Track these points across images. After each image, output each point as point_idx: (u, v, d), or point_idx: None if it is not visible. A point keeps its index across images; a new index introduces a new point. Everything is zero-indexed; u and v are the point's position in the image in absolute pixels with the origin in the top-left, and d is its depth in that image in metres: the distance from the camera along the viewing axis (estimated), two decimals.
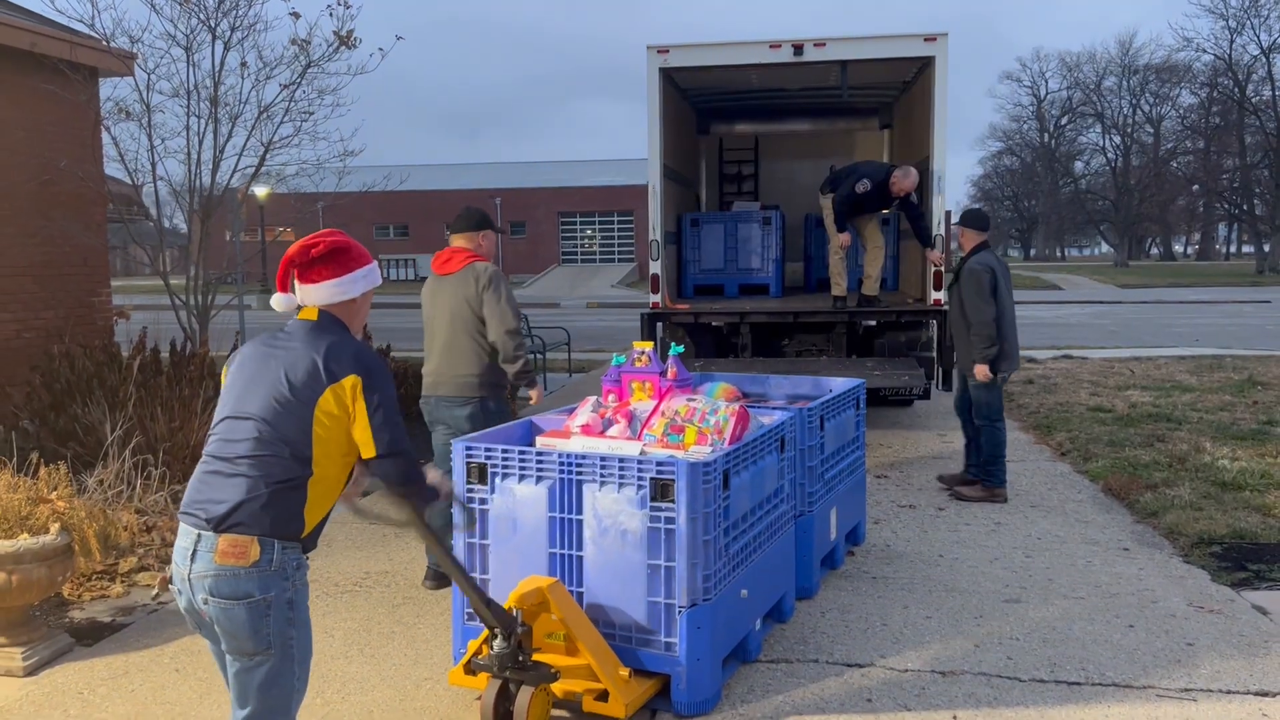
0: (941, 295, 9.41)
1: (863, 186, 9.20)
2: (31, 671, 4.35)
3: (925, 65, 9.61)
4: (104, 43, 9.40)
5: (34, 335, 9.28)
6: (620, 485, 3.90)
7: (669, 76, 10.39)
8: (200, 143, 8.59)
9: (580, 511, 3.99)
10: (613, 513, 3.92)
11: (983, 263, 7.02)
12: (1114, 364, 14.25)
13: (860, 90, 11.93)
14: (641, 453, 4.12)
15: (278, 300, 2.88)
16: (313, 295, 2.87)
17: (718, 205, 13.82)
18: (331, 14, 8.27)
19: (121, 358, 7.82)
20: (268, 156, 8.84)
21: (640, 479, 3.87)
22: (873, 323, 9.98)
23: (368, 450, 2.76)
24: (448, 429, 5.24)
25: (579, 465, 3.99)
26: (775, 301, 10.89)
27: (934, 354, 9.52)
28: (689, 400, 4.52)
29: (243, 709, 2.74)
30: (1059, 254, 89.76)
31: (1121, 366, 13.88)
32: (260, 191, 39.02)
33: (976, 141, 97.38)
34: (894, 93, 12.02)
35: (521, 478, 4.08)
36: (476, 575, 4.15)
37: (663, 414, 4.44)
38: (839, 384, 6.01)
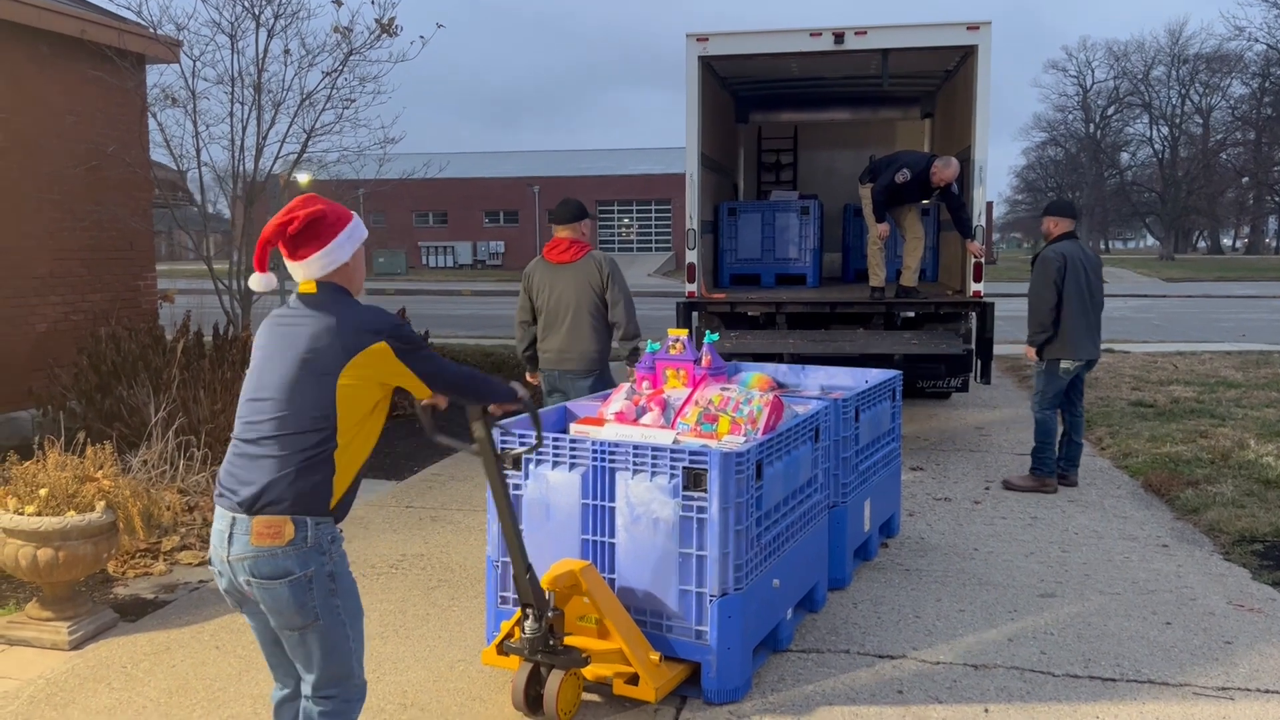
0: (981, 287, 9.33)
1: (902, 176, 9.13)
2: (77, 645, 4.45)
3: (967, 54, 9.52)
4: (151, 30, 9.55)
5: (82, 318, 9.45)
6: (653, 473, 3.89)
7: (708, 65, 10.36)
8: (244, 129, 8.70)
9: (613, 499, 3.98)
10: (645, 501, 3.91)
11: (1057, 250, 7.02)
12: (1157, 359, 14.05)
13: (902, 79, 11.83)
14: (675, 441, 4.16)
15: (256, 280, 2.84)
16: (304, 271, 2.82)
17: (756, 194, 13.79)
18: (374, 2, 8.32)
19: (166, 341, 7.95)
20: (309, 143, 8.93)
21: (673, 468, 3.86)
22: (911, 314, 9.92)
23: (423, 393, 2.90)
24: (564, 398, 5.99)
25: (612, 453, 3.99)
26: (812, 291, 10.84)
27: (972, 346, 9.44)
28: (723, 389, 4.51)
29: (310, 674, 2.80)
30: (1104, 247, 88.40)
31: (1165, 361, 13.68)
32: (303, 178, 39.43)
33: (1020, 132, 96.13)
34: (936, 82, 11.91)
35: (555, 464, 4.09)
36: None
37: (696, 403, 4.45)
38: (875, 375, 5.99)
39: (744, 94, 13.10)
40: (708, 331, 4.41)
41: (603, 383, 6.00)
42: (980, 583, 5.27)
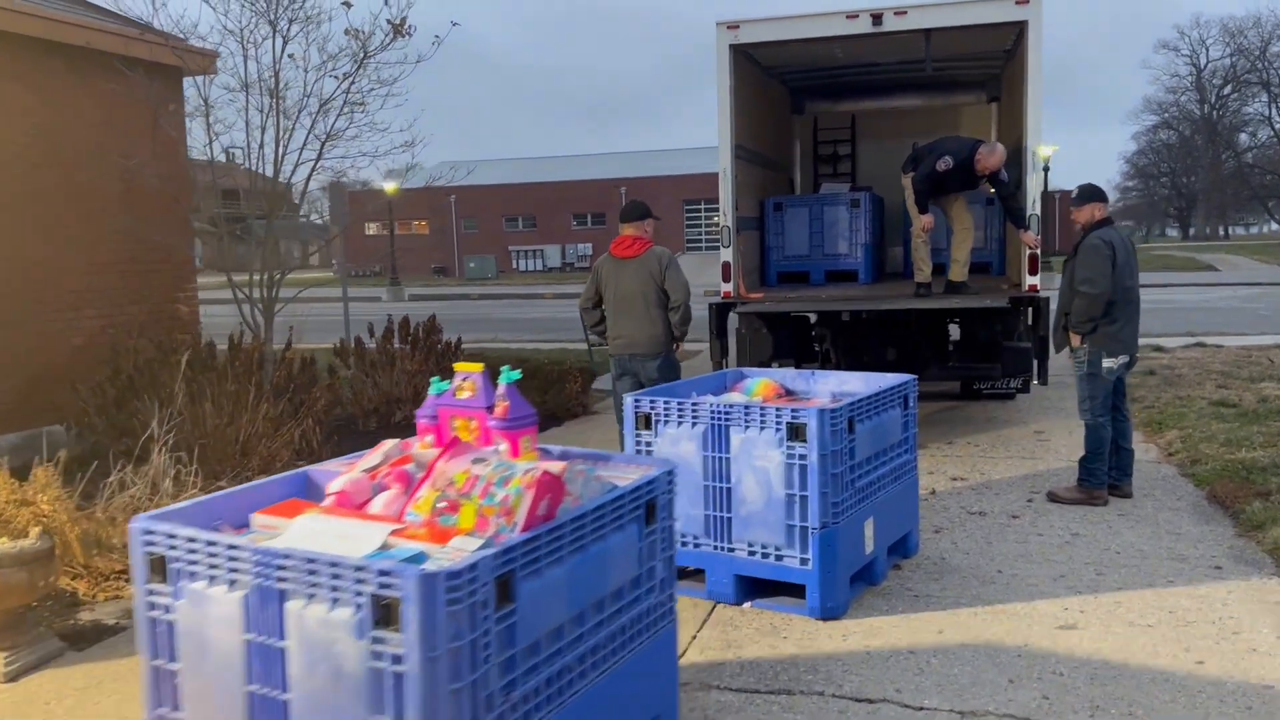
0: (1037, 280, 8.66)
1: (944, 164, 8.55)
2: (13, 677, 4.28)
3: (1023, 30, 8.85)
4: (186, 41, 9.54)
5: (119, 332, 9.50)
6: (334, 602, 2.55)
7: (746, 54, 9.91)
8: (261, 136, 8.58)
9: (284, 635, 2.62)
10: (322, 641, 2.55)
11: (1103, 237, 6.44)
12: (1252, 352, 13.01)
13: (961, 61, 11.19)
14: (383, 546, 2.77)
15: None
16: None
17: (813, 188, 13.23)
18: (387, 3, 8.11)
19: (182, 353, 7.88)
20: (325, 150, 8.77)
21: (358, 595, 2.50)
22: (955, 318, 9.38)
23: None
24: (635, 379, 6.77)
25: (280, 568, 2.62)
26: (858, 289, 10.28)
27: (1030, 345, 8.79)
28: (476, 461, 3.10)
29: None
30: (1222, 233, 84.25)
31: (1260, 355, 12.66)
32: (389, 187, 39.91)
33: (1129, 115, 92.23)
34: (999, 63, 11.20)
35: (212, 579, 2.74)
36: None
37: (433, 483, 3.08)
38: (887, 380, 5.49)
39: (796, 84, 12.58)
40: (505, 369, 3.49)
41: (669, 364, 6.79)
42: (994, 612, 4.74)
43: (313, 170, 8.81)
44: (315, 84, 8.47)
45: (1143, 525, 6.03)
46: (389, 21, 8.07)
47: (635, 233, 6.80)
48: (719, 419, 4.79)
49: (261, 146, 8.52)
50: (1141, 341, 14.03)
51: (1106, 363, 6.45)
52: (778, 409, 4.66)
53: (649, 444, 4.97)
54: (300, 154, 8.72)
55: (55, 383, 8.73)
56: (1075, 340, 6.54)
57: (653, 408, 4.96)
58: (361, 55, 8.15)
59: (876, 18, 8.64)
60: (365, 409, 9.17)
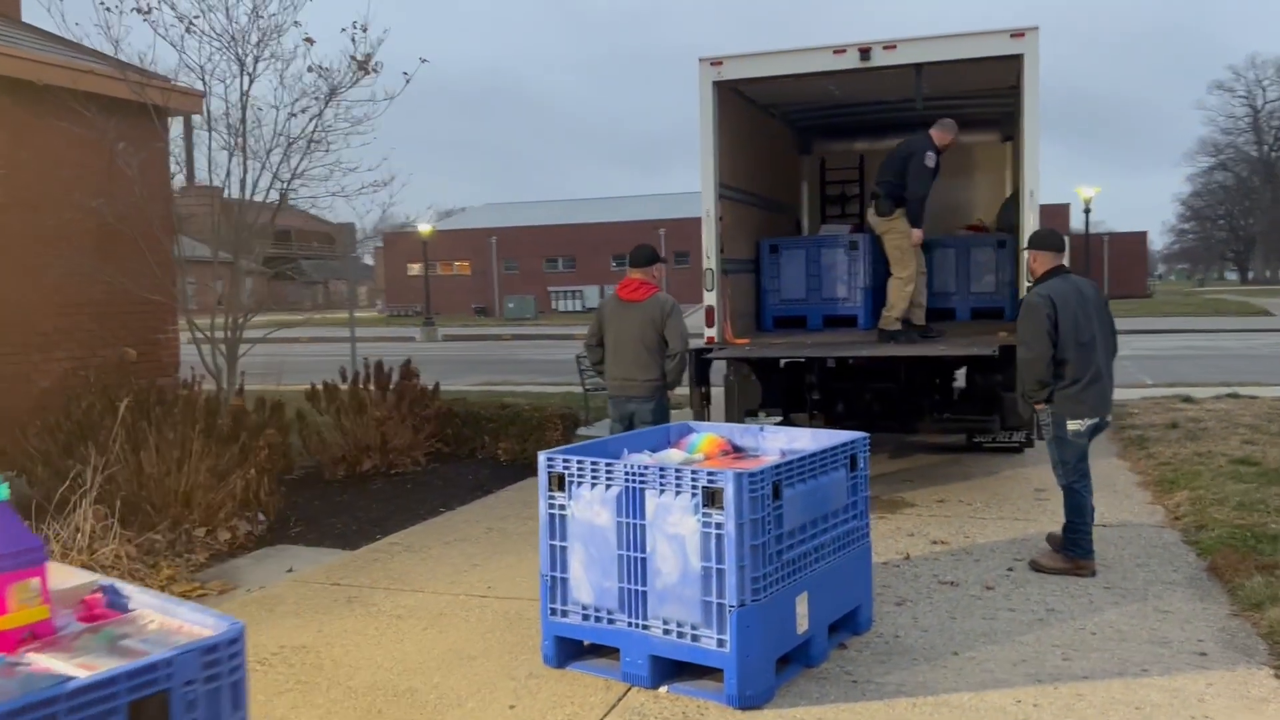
0: None
1: (930, 160, 8.37)
2: None
3: (1022, 66, 8.41)
4: (171, 81, 9.40)
5: (92, 374, 9.29)
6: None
7: (736, 91, 9.57)
8: (226, 176, 8.37)
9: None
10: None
11: (1042, 293, 5.94)
12: None
13: (971, 99, 10.78)
14: None
15: None
16: None
17: (819, 230, 12.80)
18: (354, 40, 7.88)
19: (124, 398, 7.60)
20: (293, 187, 8.52)
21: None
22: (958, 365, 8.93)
23: None
24: (629, 421, 6.88)
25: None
26: (857, 335, 9.79)
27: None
28: None
29: None
30: None
31: None
32: (424, 228, 40.03)
33: (1184, 157, 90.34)
34: (1012, 100, 10.74)
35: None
36: None
37: None
38: (838, 438, 5.03)
39: (801, 123, 12.22)
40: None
41: (661, 407, 6.93)
42: (937, 704, 4.22)
43: (277, 210, 8.53)
44: (286, 123, 8.24)
45: (1128, 601, 5.46)
46: (353, 58, 7.83)
47: (643, 277, 6.96)
48: (634, 481, 4.36)
49: (226, 186, 8.28)
50: (1170, 391, 13.56)
51: (1071, 425, 5.95)
52: (693, 471, 4.22)
53: (562, 506, 4.56)
54: (267, 194, 8.48)
55: (17, 428, 8.52)
56: (1039, 407, 6.08)
57: (566, 467, 4.55)
58: (328, 93, 7.91)
59: (864, 52, 8.26)
60: (334, 457, 8.84)
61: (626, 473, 4.38)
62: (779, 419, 9.00)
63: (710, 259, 8.90)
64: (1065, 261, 6.20)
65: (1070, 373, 5.88)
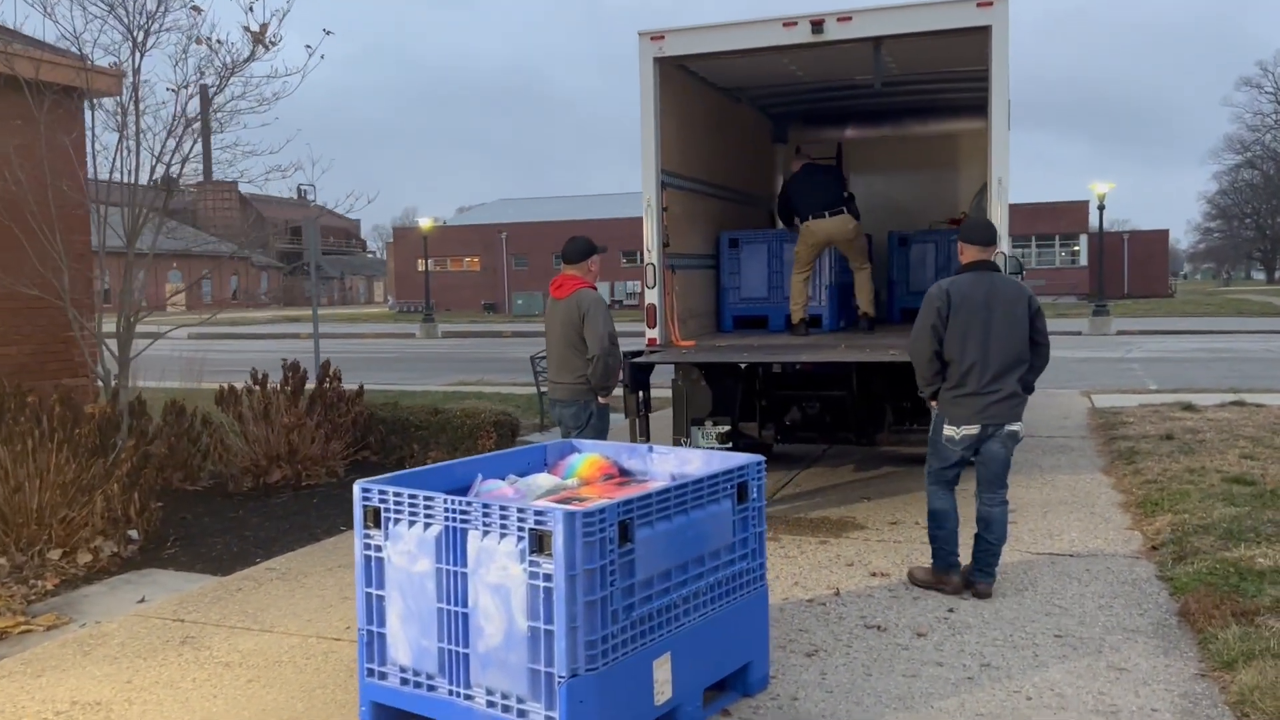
0: None
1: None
2: None
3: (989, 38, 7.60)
4: (88, 60, 8.69)
5: None
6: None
7: (687, 70, 8.80)
8: (116, 157, 7.65)
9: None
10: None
11: (944, 285, 5.48)
12: None
13: (951, 82, 9.98)
14: None
15: None
16: None
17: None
18: (249, 11, 7.13)
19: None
20: (182, 173, 7.80)
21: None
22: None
23: None
24: (565, 428, 6.44)
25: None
26: (822, 337, 9.00)
27: None
28: None
29: None
30: None
31: None
32: (424, 223, 39.48)
33: (1209, 154, 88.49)
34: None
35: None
36: None
37: None
38: (722, 462, 4.26)
39: (775, 109, 11.43)
40: None
41: (587, 413, 6.35)
42: None
43: (169, 196, 7.80)
44: (182, 102, 7.52)
45: (1079, 654, 4.66)
46: (246, 29, 7.10)
47: (576, 272, 6.44)
48: (454, 519, 3.61)
49: (116, 168, 7.56)
50: (1172, 398, 12.63)
51: (946, 430, 5.45)
52: (520, 509, 3.46)
53: (379, 548, 3.81)
54: (152, 177, 7.72)
55: None
56: (932, 404, 5.62)
57: (382, 500, 3.79)
58: (227, 68, 7.18)
59: (816, 24, 7.47)
60: (240, 467, 8.13)
61: (446, 509, 3.62)
62: (725, 428, 8.22)
63: (651, 253, 8.13)
64: (993, 258, 5.65)
65: (953, 374, 5.42)
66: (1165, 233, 58.60)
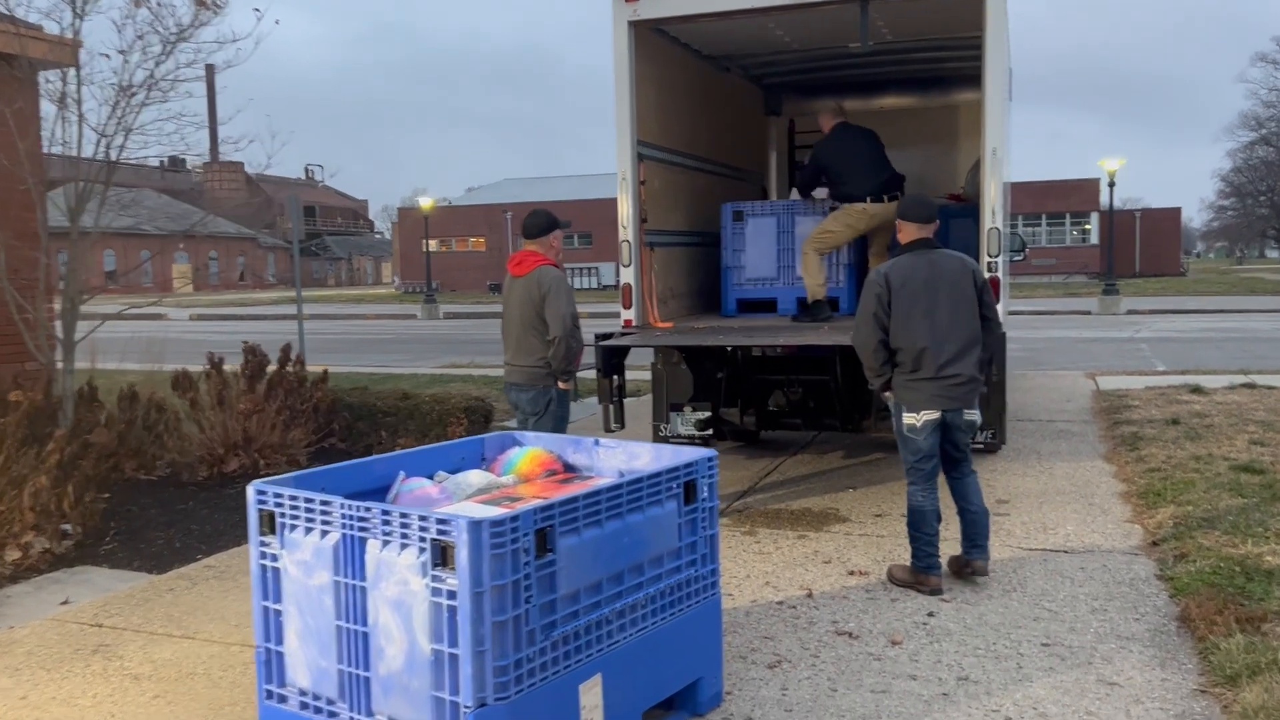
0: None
1: None
2: None
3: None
4: (40, 28, 8.28)
5: None
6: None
7: (666, 34, 8.34)
8: (57, 128, 7.23)
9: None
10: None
11: (883, 270, 5.17)
12: None
13: (947, 50, 9.50)
14: None
15: None
16: None
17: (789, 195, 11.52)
18: None
19: None
20: (124, 145, 7.35)
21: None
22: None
23: None
24: (520, 411, 6.07)
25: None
26: (836, 321, 8.38)
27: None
28: None
29: None
30: None
31: None
32: (425, 203, 39.07)
33: (1224, 131, 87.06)
34: None
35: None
36: None
37: None
38: (673, 458, 3.85)
39: (768, 80, 10.95)
40: None
41: (545, 398, 5.95)
42: None
43: (111, 169, 7.38)
44: (126, 71, 7.09)
45: (1068, 666, 4.24)
46: None
47: (537, 248, 6.04)
48: (352, 527, 3.21)
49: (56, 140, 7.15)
50: (1180, 380, 12.15)
51: (907, 419, 5.15)
52: (422, 516, 3.05)
53: (274, 556, 3.41)
54: (98, 149, 7.31)
55: None
56: (888, 397, 5.32)
57: (278, 503, 3.39)
58: (172, 35, 6.75)
59: None
60: (196, 456, 7.75)
61: (344, 516, 3.22)
62: (705, 414, 7.81)
63: (627, 230, 7.69)
64: (931, 234, 5.27)
65: (904, 361, 5.11)
66: (1178, 211, 57.79)
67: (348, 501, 3.22)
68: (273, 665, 3.46)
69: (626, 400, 7.49)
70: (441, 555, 2.99)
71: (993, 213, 6.94)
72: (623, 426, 7.42)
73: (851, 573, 5.53)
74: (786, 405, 8.12)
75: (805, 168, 8.95)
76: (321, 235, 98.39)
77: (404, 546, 3.08)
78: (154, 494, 7.42)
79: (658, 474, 3.62)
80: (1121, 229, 49.82)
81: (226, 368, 8.03)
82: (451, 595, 2.98)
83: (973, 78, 10.37)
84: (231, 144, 7.55)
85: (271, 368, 8.36)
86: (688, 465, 3.76)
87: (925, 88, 11.09)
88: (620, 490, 3.44)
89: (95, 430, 6.54)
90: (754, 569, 5.62)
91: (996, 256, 6.98)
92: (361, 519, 3.17)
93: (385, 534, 3.12)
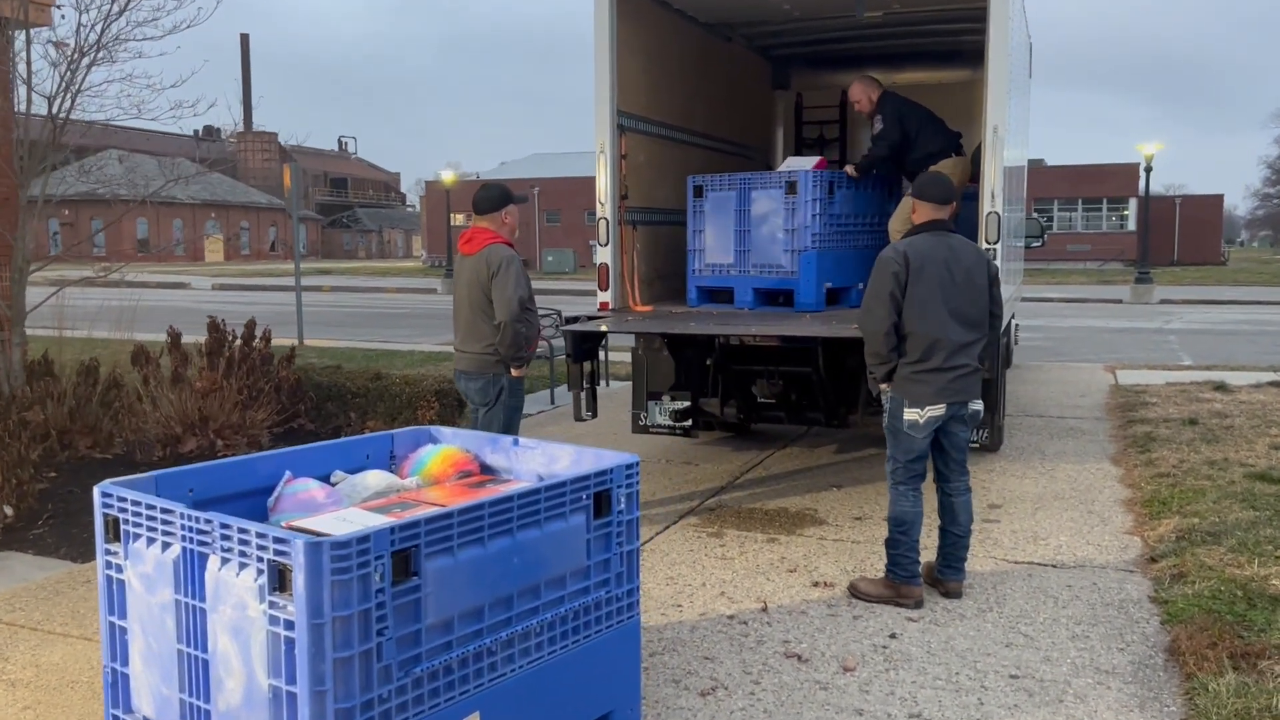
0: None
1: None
2: None
3: None
4: None
5: None
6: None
7: (657, 0, 7.87)
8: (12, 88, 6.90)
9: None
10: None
11: (900, 247, 4.69)
12: None
13: (957, 23, 8.96)
14: None
15: None
16: None
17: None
18: None
19: None
20: (76, 103, 7.00)
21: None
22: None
23: None
24: (470, 401, 5.70)
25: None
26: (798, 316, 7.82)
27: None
28: None
29: None
30: None
31: None
32: (447, 177, 38.74)
33: (1271, 117, 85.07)
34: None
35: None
36: None
37: None
38: (595, 462, 3.44)
39: (774, 52, 10.44)
40: None
41: (496, 386, 5.53)
42: None
43: (62, 128, 7.03)
44: (90, 30, 6.74)
45: (1034, 705, 3.80)
46: None
47: (487, 225, 5.56)
48: (192, 540, 2.82)
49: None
50: (1204, 376, 11.56)
51: (908, 415, 4.69)
52: (260, 532, 2.65)
53: (120, 567, 3.03)
54: (55, 108, 6.96)
55: None
56: (885, 388, 4.85)
57: (122, 510, 3.02)
58: None
59: None
60: (152, 436, 7.42)
61: (184, 527, 2.83)
62: (684, 404, 7.38)
63: (605, 206, 7.25)
64: (946, 216, 4.83)
65: (913, 349, 4.64)
66: (1220, 197, 56.28)
67: (188, 511, 2.84)
68: (119, 688, 3.09)
69: (614, 386, 7.08)
70: (280, 578, 2.59)
71: (992, 196, 6.44)
72: (595, 415, 7.03)
73: (816, 584, 5.10)
74: (770, 397, 7.67)
75: (880, 139, 7.71)
76: (353, 207, 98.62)
77: (242, 566, 2.69)
78: (104, 474, 7.01)
79: (560, 484, 3.20)
80: (1160, 216, 48.62)
81: (186, 341, 7.68)
82: (290, 625, 2.58)
83: (981, 54, 9.86)
84: (189, 107, 7.17)
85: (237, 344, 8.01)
86: (599, 474, 3.34)
87: (941, 62, 10.55)
88: (509, 503, 3.02)
89: (32, 408, 6.21)
90: (711, 577, 5.20)
91: (995, 243, 6.48)
92: (202, 531, 2.78)
93: (225, 550, 2.73)
